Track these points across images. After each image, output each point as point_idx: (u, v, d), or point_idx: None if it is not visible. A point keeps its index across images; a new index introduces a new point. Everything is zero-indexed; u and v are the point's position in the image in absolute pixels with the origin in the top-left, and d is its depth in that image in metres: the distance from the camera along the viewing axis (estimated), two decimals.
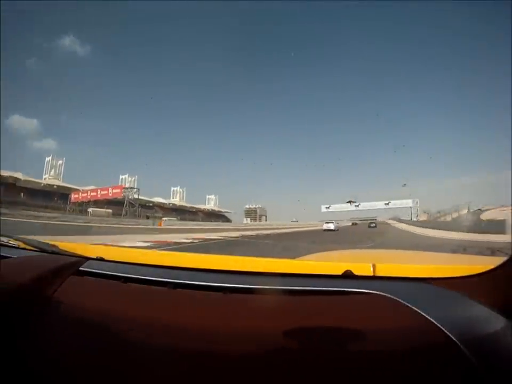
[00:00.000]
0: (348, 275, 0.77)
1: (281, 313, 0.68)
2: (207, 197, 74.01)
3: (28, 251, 1.09)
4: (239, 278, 0.81)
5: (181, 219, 50.82)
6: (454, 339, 0.56)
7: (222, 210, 73.70)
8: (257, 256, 1.11)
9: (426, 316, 0.60)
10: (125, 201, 46.24)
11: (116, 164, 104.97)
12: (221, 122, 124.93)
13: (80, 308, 0.75)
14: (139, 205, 47.81)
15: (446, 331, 0.57)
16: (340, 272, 0.78)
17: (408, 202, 63.69)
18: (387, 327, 0.62)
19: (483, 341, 0.56)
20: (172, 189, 67.71)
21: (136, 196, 47.81)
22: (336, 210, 65.19)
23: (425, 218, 51.84)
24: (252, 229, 28.94)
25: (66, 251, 1.04)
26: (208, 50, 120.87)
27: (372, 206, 64.63)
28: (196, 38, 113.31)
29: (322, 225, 27.97)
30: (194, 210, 69.01)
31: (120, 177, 55.12)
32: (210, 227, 30.76)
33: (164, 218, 46.10)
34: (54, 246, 1.11)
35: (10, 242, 1.14)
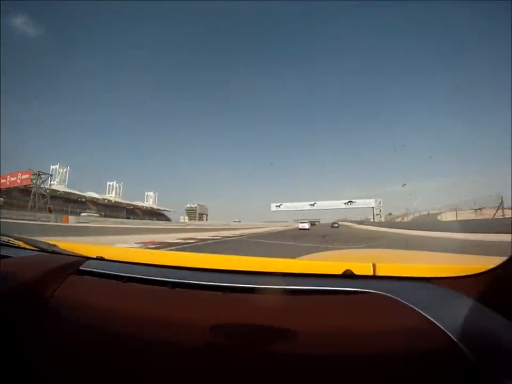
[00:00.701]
0: (348, 275, 0.76)
1: (281, 313, 0.67)
2: (146, 193, 67.95)
3: (28, 251, 1.09)
4: (239, 278, 0.81)
5: (115, 216, 43.00)
6: (454, 339, 0.56)
7: (161, 208, 68.02)
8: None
9: (426, 315, 0.60)
10: (33, 191, 37.78)
11: (48, 153, 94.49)
12: (168, 119, 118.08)
13: (80, 308, 0.75)
14: (51, 195, 39.73)
15: (445, 330, 0.57)
16: (340, 272, 0.77)
17: (370, 202, 59.97)
18: (387, 326, 0.62)
19: (483, 341, 0.56)
20: (108, 183, 60.42)
21: (47, 185, 39.68)
22: (289, 210, 60.07)
23: (383, 220, 50.48)
24: (190, 230, 23.06)
25: (66, 251, 1.05)
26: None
27: (329, 206, 60.01)
28: (192, 37, 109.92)
29: (268, 228, 27.41)
30: (131, 207, 61.61)
31: (51, 167, 48.59)
32: (135, 226, 23.32)
33: (83, 214, 37.97)
34: (54, 245, 1.10)
35: (10, 242, 1.14)
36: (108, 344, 0.65)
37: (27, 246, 1.10)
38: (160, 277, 0.82)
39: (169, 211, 68.43)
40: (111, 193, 59.78)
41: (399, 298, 0.65)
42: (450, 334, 0.56)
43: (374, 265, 0.78)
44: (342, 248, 7.05)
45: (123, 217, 43.87)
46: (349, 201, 58.92)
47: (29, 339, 0.67)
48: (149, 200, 66.93)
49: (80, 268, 0.89)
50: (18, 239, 1.14)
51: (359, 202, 59.59)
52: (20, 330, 0.67)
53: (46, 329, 0.70)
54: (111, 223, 26.00)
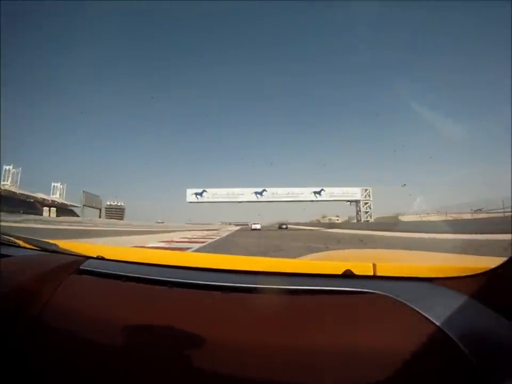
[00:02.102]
0: (348, 275, 0.77)
1: (281, 313, 0.68)
2: (53, 184, 58.08)
3: (28, 250, 1.10)
4: (238, 277, 0.81)
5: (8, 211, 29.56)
6: (454, 339, 0.56)
7: (68, 203, 58.45)
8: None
9: (426, 316, 0.61)
10: None
11: None
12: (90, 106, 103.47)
13: (80, 307, 0.76)
14: None
15: (446, 331, 0.57)
16: (340, 272, 0.78)
17: (355, 192, 40.67)
18: (387, 327, 0.62)
19: (483, 341, 0.57)
20: (4, 167, 47.95)
21: None
22: (218, 201, 40.69)
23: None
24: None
25: (66, 250, 1.07)
26: None
27: (288, 196, 41.80)
28: (188, 36, 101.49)
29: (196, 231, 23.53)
30: (31, 200, 48.64)
31: None
32: None
33: None
34: (54, 245, 1.12)
35: (10, 241, 1.15)
36: (108, 343, 0.65)
37: (27, 245, 1.11)
38: (160, 277, 0.83)
39: (78, 206, 58.99)
40: (6, 181, 47.53)
41: (399, 299, 0.65)
42: (450, 334, 0.56)
43: (374, 265, 0.78)
44: (342, 248, 7.03)
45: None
46: (320, 190, 40.27)
47: (29, 338, 0.67)
48: (56, 193, 57.00)
49: (81, 267, 0.90)
50: (19, 238, 1.14)
51: (337, 193, 40.61)
52: (20, 329, 0.67)
53: (47, 328, 0.70)
54: None
